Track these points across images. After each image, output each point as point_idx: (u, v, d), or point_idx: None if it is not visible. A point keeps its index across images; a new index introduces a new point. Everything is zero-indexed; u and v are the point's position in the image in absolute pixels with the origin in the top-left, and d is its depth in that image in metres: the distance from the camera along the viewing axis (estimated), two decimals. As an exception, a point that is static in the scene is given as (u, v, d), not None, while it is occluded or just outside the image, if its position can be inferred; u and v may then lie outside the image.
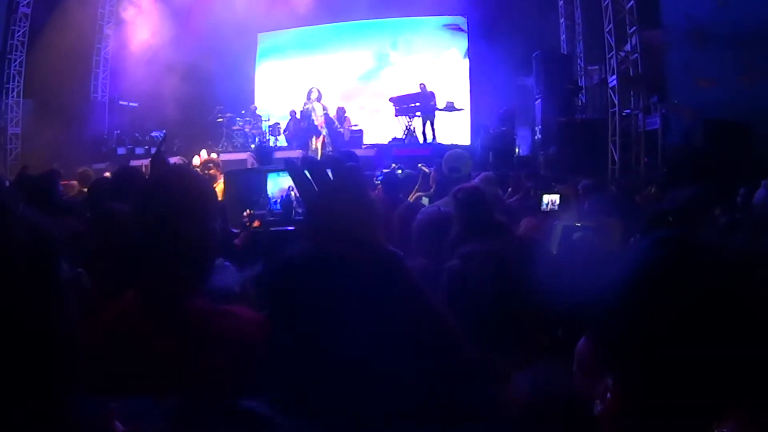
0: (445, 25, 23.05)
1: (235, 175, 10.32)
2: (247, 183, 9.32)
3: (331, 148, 17.97)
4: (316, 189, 1.38)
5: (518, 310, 2.16)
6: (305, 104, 19.02)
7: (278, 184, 8.46)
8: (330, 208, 1.37)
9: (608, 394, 1.29)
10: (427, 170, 8.58)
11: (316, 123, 18.29)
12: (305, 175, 1.38)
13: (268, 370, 1.65)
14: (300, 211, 7.49)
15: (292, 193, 7.77)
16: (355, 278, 1.36)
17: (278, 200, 8.24)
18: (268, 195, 8.49)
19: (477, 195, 4.46)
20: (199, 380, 2.06)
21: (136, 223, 2.37)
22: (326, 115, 18.65)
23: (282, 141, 21.28)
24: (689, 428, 1.20)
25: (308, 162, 1.40)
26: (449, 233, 3.88)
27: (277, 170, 9.12)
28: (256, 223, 6.43)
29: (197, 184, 2.49)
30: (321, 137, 18.56)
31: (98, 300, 2.37)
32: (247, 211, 6.19)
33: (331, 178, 1.38)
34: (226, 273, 3.41)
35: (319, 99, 18.82)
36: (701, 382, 1.17)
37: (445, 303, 2.28)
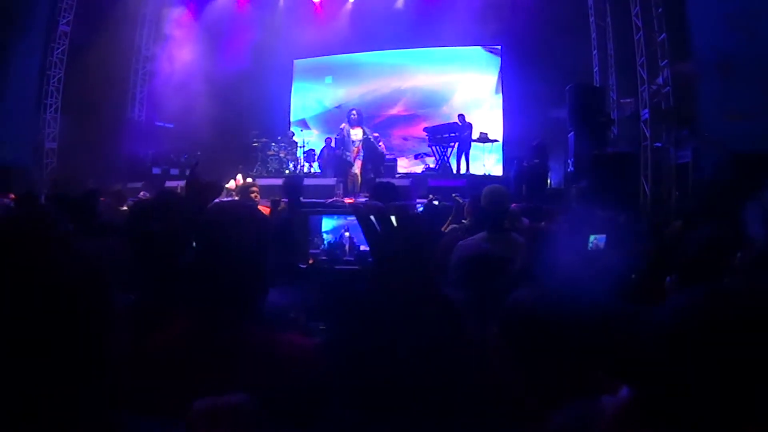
0: (484, 47, 23.07)
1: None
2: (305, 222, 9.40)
3: (373, 175, 17.74)
4: (380, 233, 1.48)
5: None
6: (341, 126, 18.61)
7: (331, 225, 8.61)
8: (394, 254, 1.47)
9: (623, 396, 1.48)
10: (461, 201, 8.61)
11: (352, 147, 17.97)
12: (371, 221, 1.49)
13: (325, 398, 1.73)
14: (346, 256, 7.69)
15: (346, 234, 7.92)
16: (413, 318, 1.46)
17: (331, 241, 8.41)
18: (322, 236, 8.65)
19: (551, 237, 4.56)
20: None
21: (194, 249, 2.48)
22: (366, 139, 18.07)
23: (316, 168, 21.37)
24: None
25: (374, 209, 1.50)
26: (489, 269, 3.95)
27: (336, 214, 9.35)
28: (311, 261, 6.61)
29: (256, 215, 2.58)
30: (358, 164, 18.14)
31: (144, 322, 2.45)
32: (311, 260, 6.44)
33: (395, 224, 1.48)
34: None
35: (359, 123, 18.42)
36: (720, 414, 1.35)
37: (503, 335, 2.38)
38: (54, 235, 1.26)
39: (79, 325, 1.21)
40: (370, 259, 1.52)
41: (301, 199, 8.50)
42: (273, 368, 2.25)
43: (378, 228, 1.50)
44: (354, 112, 18.50)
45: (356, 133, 17.95)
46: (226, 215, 2.54)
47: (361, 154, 18.03)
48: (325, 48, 23.41)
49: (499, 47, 22.74)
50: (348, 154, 17.88)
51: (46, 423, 1.14)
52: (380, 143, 19.37)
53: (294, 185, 8.18)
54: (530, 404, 2.15)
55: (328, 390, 1.79)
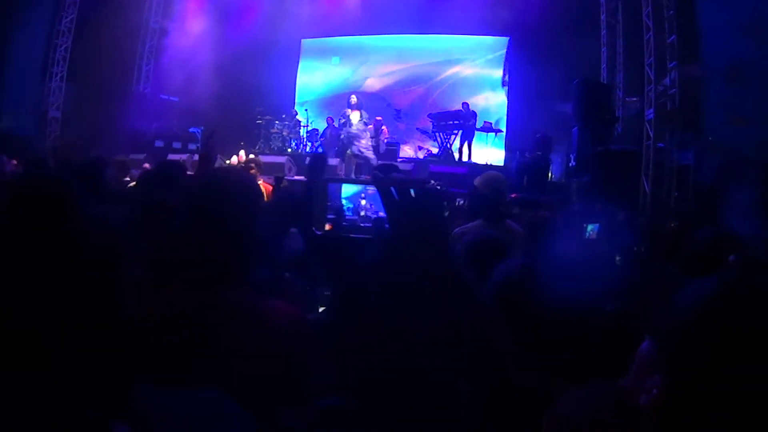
0: (493, 37, 23.05)
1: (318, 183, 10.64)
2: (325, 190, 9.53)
3: (364, 159, 17.76)
4: (401, 205, 1.53)
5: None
6: (343, 111, 18.79)
7: (350, 192, 8.75)
8: (411, 225, 1.51)
9: (654, 390, 1.48)
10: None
11: (351, 132, 18.04)
12: (391, 191, 1.53)
13: (327, 365, 1.77)
14: (364, 223, 7.79)
15: (363, 202, 8.01)
16: (430, 289, 1.50)
17: (351, 208, 8.53)
18: (341, 202, 8.79)
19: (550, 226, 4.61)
20: (235, 370, 2.12)
21: (184, 216, 2.50)
22: (364, 123, 18.18)
23: (319, 147, 21.38)
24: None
25: (396, 180, 1.54)
26: (493, 253, 3.99)
27: (360, 182, 9.49)
28: (328, 227, 6.69)
29: (247, 185, 2.58)
30: (356, 147, 18.10)
31: (149, 289, 2.48)
32: (328, 225, 6.51)
33: (413, 196, 1.52)
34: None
35: (359, 107, 18.55)
36: (737, 400, 1.39)
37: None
38: (66, 198, 1.28)
39: (92, 288, 1.21)
40: (387, 226, 1.56)
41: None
42: (259, 335, 2.26)
43: (396, 197, 1.54)
44: (353, 96, 18.57)
45: (355, 117, 18.03)
46: (217, 182, 2.55)
47: (360, 138, 18.09)
48: (333, 29, 23.37)
49: (507, 38, 22.71)
50: (345, 136, 17.99)
51: (59, 388, 1.16)
52: (383, 128, 19.40)
53: (319, 163, 8.35)
54: (531, 380, 2.20)
55: (318, 357, 1.83)
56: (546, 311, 2.30)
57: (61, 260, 1.18)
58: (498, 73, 23.11)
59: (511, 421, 1.83)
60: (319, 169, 8.02)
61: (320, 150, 21.13)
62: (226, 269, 2.36)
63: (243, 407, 1.56)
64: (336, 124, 20.43)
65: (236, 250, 2.38)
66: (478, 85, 23.28)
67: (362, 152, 17.80)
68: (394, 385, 1.59)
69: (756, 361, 1.40)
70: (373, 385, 1.63)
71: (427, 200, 1.54)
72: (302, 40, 25.23)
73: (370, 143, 18.17)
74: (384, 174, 1.58)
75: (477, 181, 6.26)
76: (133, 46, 23.57)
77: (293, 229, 3.79)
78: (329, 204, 8.43)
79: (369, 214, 8.93)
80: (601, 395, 1.73)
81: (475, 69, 23.52)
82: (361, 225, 7.90)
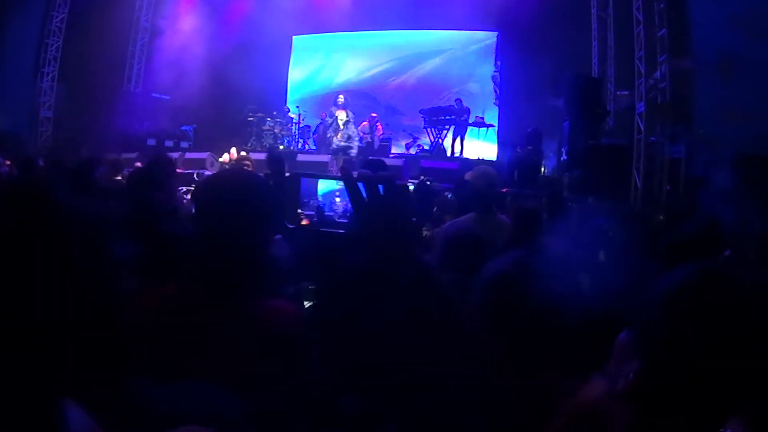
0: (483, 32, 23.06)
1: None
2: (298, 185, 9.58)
3: (350, 158, 17.89)
4: (367, 203, 1.53)
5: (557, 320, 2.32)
6: (330, 110, 18.92)
7: (327, 189, 8.79)
8: (377, 222, 1.52)
9: (630, 374, 1.53)
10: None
11: (339, 130, 18.16)
12: (359, 188, 1.53)
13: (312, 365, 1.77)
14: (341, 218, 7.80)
15: (337, 200, 8.06)
16: (394, 287, 1.50)
17: (326, 205, 8.57)
18: (318, 198, 8.81)
19: (536, 215, 4.62)
20: (239, 370, 2.10)
21: (195, 219, 2.50)
22: (351, 122, 18.40)
23: (311, 144, 21.45)
24: (691, 414, 1.49)
25: (363, 177, 1.54)
26: (476, 250, 3.99)
27: (331, 178, 9.68)
28: (305, 222, 6.75)
29: (255, 182, 2.58)
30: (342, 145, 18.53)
31: (138, 286, 2.48)
32: (301, 213, 6.54)
33: (382, 194, 1.52)
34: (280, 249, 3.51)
35: (345, 106, 18.67)
36: (709, 383, 1.46)
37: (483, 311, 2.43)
38: (55, 198, 1.27)
39: (82, 287, 1.21)
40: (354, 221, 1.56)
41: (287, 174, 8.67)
42: (261, 334, 2.28)
43: (365, 196, 1.54)
44: (341, 96, 18.69)
45: (341, 116, 18.07)
46: (226, 183, 2.55)
47: (345, 136, 18.22)
48: (323, 25, 23.35)
49: (496, 33, 22.71)
50: (332, 135, 18.09)
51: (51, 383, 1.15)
52: (377, 124, 19.44)
53: (276, 160, 8.51)
54: (508, 371, 2.21)
55: (312, 355, 1.84)
56: (537, 307, 2.31)
57: (49, 258, 1.16)
58: (489, 67, 23.11)
59: (501, 417, 1.85)
60: (278, 170, 8.08)
61: (313, 147, 21.21)
62: (231, 275, 2.35)
63: (240, 402, 1.55)
64: (329, 120, 20.54)
65: (244, 257, 2.38)
66: (470, 80, 23.27)
67: (348, 152, 17.89)
68: (380, 382, 1.58)
69: (726, 345, 1.44)
70: (360, 382, 1.62)
71: (395, 199, 1.54)
72: (293, 37, 25.17)
73: (357, 142, 18.36)
74: (372, 170, 1.58)
75: (469, 175, 6.27)
76: (124, 45, 23.48)
77: (278, 237, 3.78)
78: (305, 200, 8.48)
79: (342, 211, 8.92)
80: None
81: (467, 64, 23.49)
82: (338, 221, 7.93)
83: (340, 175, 1.59)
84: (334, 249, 1.82)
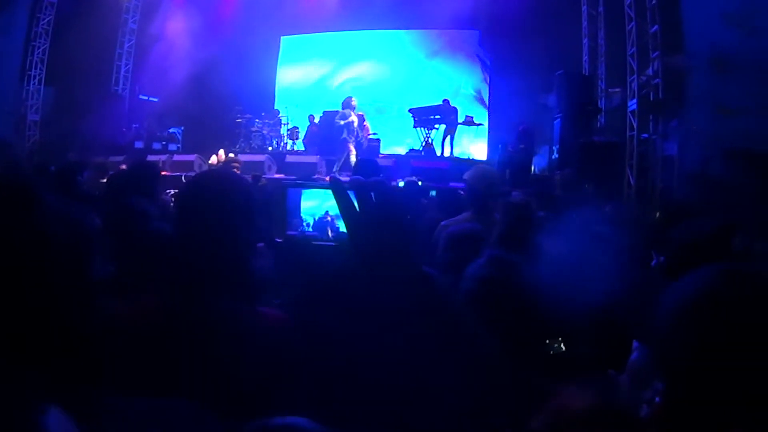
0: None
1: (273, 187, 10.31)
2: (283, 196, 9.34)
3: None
4: (358, 210, 1.39)
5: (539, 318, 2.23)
6: (344, 112, 18.75)
7: (312, 202, 8.54)
8: (370, 231, 1.39)
9: (657, 399, 1.37)
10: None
11: (354, 132, 18.14)
12: (349, 196, 1.40)
13: (301, 381, 1.66)
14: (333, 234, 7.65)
15: (328, 218, 7.89)
16: (392, 297, 1.38)
17: (312, 222, 8.34)
18: (300, 215, 8.60)
19: (527, 210, 4.47)
20: (224, 382, 2.06)
21: (174, 224, 2.38)
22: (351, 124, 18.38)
23: (300, 145, 21.35)
24: None
25: (355, 184, 1.41)
26: (476, 248, 3.88)
27: (319, 187, 9.31)
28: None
29: (238, 183, 2.47)
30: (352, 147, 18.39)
31: (117, 295, 2.36)
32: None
33: (374, 200, 1.39)
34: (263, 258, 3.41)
35: (355, 108, 18.68)
36: (745, 397, 1.26)
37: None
38: (35, 202, 1.20)
39: (57, 294, 1.16)
40: (345, 236, 1.44)
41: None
42: (249, 343, 2.19)
43: (356, 207, 1.41)
44: (353, 98, 18.61)
45: (353, 119, 18.07)
46: (208, 184, 2.44)
47: (354, 138, 18.16)
48: (311, 25, 23.39)
49: (477, 31, 22.76)
50: (349, 138, 18.01)
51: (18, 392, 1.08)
52: (365, 123, 19.43)
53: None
54: (505, 373, 2.10)
55: (301, 364, 1.72)
56: (518, 308, 2.23)
57: (23, 260, 1.12)
58: (478, 66, 23.07)
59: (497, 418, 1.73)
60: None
61: (302, 148, 21.16)
62: (214, 274, 2.26)
63: (221, 417, 1.45)
64: (316, 120, 20.80)
65: (225, 262, 2.28)
66: (459, 79, 23.30)
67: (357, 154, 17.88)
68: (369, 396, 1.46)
69: (761, 353, 1.26)
70: (338, 399, 1.50)
71: (391, 206, 1.41)
72: (281, 38, 25.23)
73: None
74: (366, 177, 1.45)
75: (468, 175, 6.16)
76: (111, 48, 23.47)
77: (260, 245, 3.67)
78: (291, 211, 8.31)
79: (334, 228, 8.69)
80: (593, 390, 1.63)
81: (457, 63, 23.49)
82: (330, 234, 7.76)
83: (328, 184, 1.46)
84: (325, 261, 1.72)
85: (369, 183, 1.43)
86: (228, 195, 2.33)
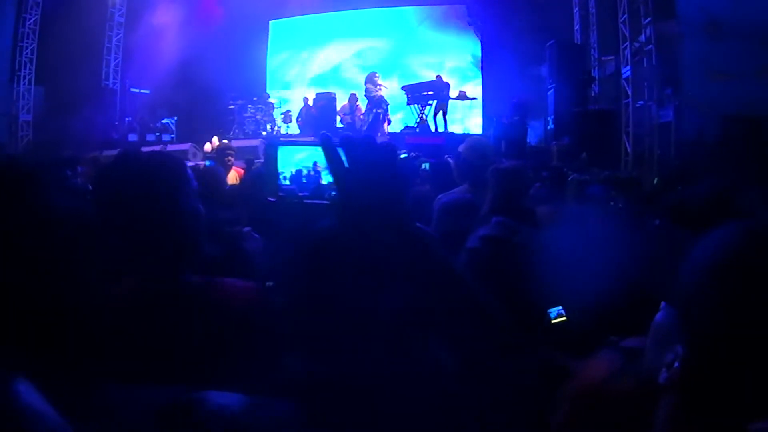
0: (468, 22, 22.91)
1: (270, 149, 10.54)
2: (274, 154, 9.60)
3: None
4: (347, 166, 1.35)
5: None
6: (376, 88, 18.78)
7: (302, 159, 8.61)
8: (359, 186, 1.34)
9: (676, 363, 1.31)
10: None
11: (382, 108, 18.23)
12: (338, 152, 1.35)
13: (288, 340, 1.62)
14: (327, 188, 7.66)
15: (312, 172, 7.89)
16: (383, 255, 1.34)
17: (306, 176, 8.38)
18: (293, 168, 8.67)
19: (518, 175, 4.42)
20: (198, 355, 2.03)
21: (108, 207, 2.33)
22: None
23: (294, 128, 21.34)
24: (750, 407, 1.18)
25: (345, 140, 1.37)
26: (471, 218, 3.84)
27: (309, 145, 9.42)
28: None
29: (163, 166, 2.39)
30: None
31: (107, 282, 2.35)
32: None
33: (364, 158, 1.35)
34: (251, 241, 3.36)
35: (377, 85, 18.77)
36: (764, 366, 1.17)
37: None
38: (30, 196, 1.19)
39: (50, 279, 1.21)
40: (333, 193, 1.40)
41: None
42: (215, 315, 2.17)
43: (345, 162, 1.36)
44: (377, 73, 18.70)
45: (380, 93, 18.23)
46: (130, 167, 2.35)
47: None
48: (299, 8, 23.37)
49: (463, 5, 22.67)
50: (380, 112, 18.13)
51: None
52: (357, 104, 19.51)
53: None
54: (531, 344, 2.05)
55: (277, 333, 1.69)
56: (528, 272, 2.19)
57: (17, 251, 1.19)
58: (471, 39, 22.99)
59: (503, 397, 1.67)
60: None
61: (297, 131, 21.17)
62: (166, 255, 2.22)
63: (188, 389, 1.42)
64: (310, 103, 20.85)
65: (169, 236, 2.23)
66: (452, 54, 23.27)
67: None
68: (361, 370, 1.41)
69: None
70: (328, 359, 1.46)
71: (380, 160, 1.36)
72: (270, 22, 25.17)
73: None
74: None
75: (462, 147, 6.10)
76: (99, 42, 23.36)
77: (247, 229, 3.61)
78: (281, 172, 8.35)
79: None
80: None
81: (449, 39, 23.42)
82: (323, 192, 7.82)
83: (318, 140, 1.41)
84: (318, 219, 1.68)
85: (358, 139, 1.39)
86: (149, 173, 2.29)
